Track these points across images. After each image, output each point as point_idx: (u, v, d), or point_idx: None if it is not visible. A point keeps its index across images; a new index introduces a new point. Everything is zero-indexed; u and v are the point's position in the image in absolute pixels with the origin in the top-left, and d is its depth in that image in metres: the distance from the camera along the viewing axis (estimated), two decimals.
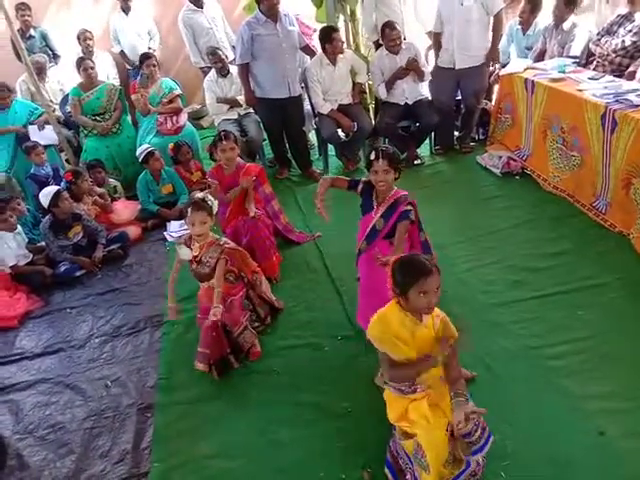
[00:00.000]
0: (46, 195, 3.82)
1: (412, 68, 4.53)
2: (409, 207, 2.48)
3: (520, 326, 2.70)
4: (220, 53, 4.93)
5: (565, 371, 2.40)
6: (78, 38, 5.82)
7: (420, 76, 4.60)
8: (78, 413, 2.65)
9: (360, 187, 2.59)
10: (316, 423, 2.35)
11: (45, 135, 4.89)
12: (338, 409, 2.39)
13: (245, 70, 4.45)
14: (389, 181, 2.47)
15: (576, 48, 4.44)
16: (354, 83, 4.72)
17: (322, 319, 2.99)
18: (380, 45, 4.70)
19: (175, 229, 4.23)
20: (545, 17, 4.76)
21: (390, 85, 4.61)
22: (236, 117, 4.93)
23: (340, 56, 4.51)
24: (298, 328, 2.96)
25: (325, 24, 4.68)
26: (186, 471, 2.24)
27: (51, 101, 5.38)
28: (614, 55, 4.00)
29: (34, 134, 4.84)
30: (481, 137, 5.07)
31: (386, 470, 2.04)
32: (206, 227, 2.67)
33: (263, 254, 3.34)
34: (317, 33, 4.70)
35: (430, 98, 4.75)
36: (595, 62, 4.20)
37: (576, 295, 2.86)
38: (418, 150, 4.86)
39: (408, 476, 1.94)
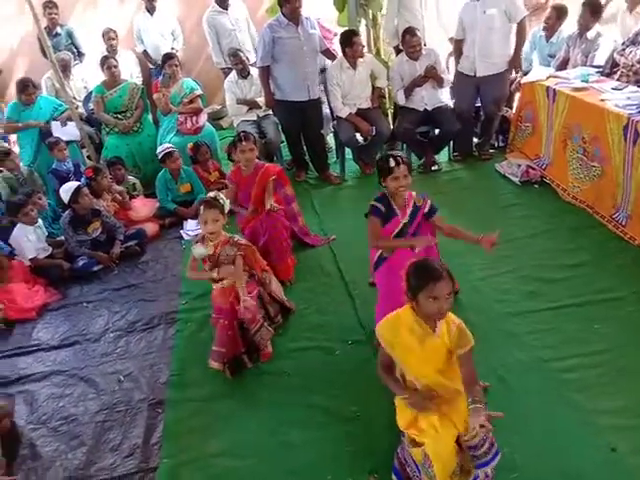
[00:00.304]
0: (67, 191, 3.89)
1: (430, 75, 4.52)
2: (429, 200, 2.62)
3: (534, 337, 2.67)
4: (241, 55, 4.97)
5: (578, 385, 2.37)
6: (103, 37, 5.92)
7: (439, 83, 4.59)
8: (91, 406, 2.69)
9: (384, 211, 2.58)
10: (326, 426, 2.35)
11: (67, 131, 4.97)
12: (348, 413, 2.39)
13: (266, 72, 4.48)
14: (409, 185, 2.56)
15: (600, 58, 4.39)
16: (373, 87, 4.72)
17: (334, 322, 2.99)
18: (400, 50, 4.70)
19: (192, 228, 4.27)
20: (570, 25, 4.72)
21: (409, 92, 4.60)
22: (255, 118, 4.96)
23: (360, 60, 4.51)
24: (310, 330, 2.97)
25: (346, 28, 4.69)
26: (195, 468, 2.26)
27: (75, 98, 5.47)
28: (639, 65, 3.94)
29: (57, 130, 4.93)
30: (500, 144, 5.03)
31: (393, 477, 2.03)
32: (218, 225, 2.68)
33: (279, 256, 3.35)
34: (338, 37, 4.72)
35: (451, 105, 4.74)
36: (619, 72, 4.14)
37: (592, 308, 2.82)
38: (436, 156, 4.84)
39: None
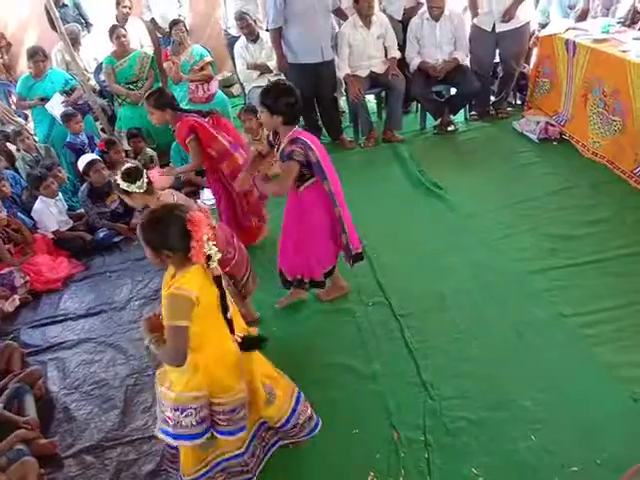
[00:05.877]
0: (83, 162, 3.92)
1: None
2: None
3: (554, 294, 2.68)
4: (247, 18, 4.84)
5: (598, 339, 2.38)
6: (117, 5, 5.73)
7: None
8: (121, 371, 2.78)
9: None
10: (348, 385, 2.40)
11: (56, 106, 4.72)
12: (369, 371, 2.44)
13: (278, 35, 4.39)
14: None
15: (622, 11, 4.21)
16: (386, 55, 4.58)
17: (353, 286, 3.00)
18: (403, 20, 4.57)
19: (209, 197, 4.28)
20: None
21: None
22: (267, 84, 4.88)
23: (374, 18, 4.39)
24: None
25: None
26: None
27: (86, 70, 5.43)
28: None
29: (55, 102, 4.71)
30: (518, 102, 4.92)
31: None
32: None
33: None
34: None
35: (467, 62, 4.61)
36: None
37: (612, 264, 2.81)
38: (452, 116, 4.75)
39: None
